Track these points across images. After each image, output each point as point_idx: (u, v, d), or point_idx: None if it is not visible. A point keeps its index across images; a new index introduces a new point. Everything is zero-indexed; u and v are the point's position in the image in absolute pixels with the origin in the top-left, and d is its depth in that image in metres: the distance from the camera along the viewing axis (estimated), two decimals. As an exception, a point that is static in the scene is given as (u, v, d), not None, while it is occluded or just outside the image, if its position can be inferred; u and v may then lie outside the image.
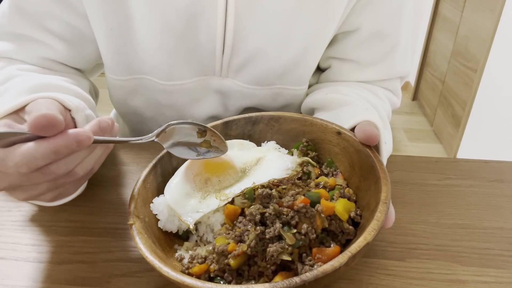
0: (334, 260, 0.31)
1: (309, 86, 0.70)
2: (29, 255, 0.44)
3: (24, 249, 0.45)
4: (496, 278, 0.42)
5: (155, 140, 0.42)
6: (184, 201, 0.42)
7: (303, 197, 0.38)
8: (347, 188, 0.43)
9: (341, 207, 0.38)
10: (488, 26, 1.92)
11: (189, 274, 0.36)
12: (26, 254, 0.44)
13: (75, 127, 0.42)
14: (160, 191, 0.45)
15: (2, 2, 0.58)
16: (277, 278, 0.35)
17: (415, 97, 3.04)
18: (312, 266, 0.35)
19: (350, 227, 0.38)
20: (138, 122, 0.75)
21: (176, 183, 0.44)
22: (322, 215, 0.37)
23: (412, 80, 3.05)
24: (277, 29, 0.58)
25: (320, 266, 0.32)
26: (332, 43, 0.64)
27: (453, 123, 2.29)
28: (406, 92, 3.13)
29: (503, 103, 1.79)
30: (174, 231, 0.42)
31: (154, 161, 0.46)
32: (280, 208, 0.38)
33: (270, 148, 0.49)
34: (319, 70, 0.71)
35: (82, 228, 0.48)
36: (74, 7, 0.57)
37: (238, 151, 0.48)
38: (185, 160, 0.47)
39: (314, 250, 0.36)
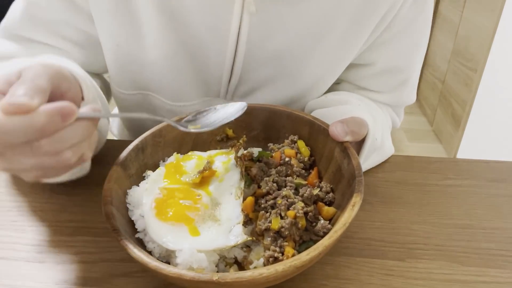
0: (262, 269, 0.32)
1: None
2: (29, 255, 0.44)
3: (24, 249, 0.45)
4: (496, 278, 0.42)
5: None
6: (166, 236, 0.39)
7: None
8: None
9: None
10: (488, 26, 1.92)
11: None
12: (26, 254, 0.44)
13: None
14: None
15: (13, 7, 0.57)
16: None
17: (415, 97, 3.04)
18: (269, 259, 0.37)
19: (328, 225, 0.40)
20: (139, 128, 0.75)
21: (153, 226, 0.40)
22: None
23: (412, 80, 3.05)
24: (288, 63, 0.57)
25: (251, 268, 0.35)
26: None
27: (453, 123, 2.29)
28: (406, 92, 3.12)
29: (503, 103, 1.79)
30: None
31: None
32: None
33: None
34: None
35: (82, 228, 0.48)
36: (88, 15, 0.56)
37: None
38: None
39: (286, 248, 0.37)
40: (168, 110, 0.63)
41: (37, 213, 0.50)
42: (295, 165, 0.46)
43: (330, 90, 0.69)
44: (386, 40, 0.58)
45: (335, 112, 0.56)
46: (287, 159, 0.46)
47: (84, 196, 0.53)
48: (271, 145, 0.50)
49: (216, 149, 0.53)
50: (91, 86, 0.45)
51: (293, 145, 0.49)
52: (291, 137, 0.50)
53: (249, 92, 0.61)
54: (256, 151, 0.48)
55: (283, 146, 0.49)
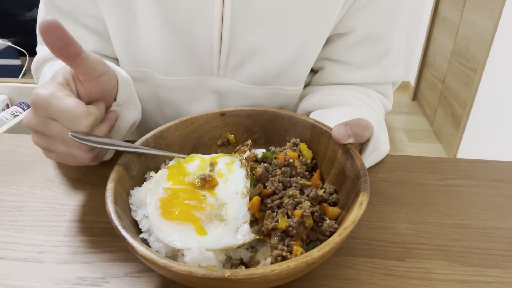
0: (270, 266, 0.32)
1: (304, 86, 0.70)
2: (29, 255, 0.44)
3: (24, 249, 0.45)
4: (496, 278, 0.42)
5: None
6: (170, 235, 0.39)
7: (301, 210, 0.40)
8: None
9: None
10: (488, 26, 1.92)
11: None
12: (26, 254, 0.44)
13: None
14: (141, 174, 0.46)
15: (39, 8, 0.65)
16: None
17: (415, 97, 3.05)
18: (276, 258, 0.36)
19: (335, 225, 0.40)
20: (142, 130, 0.75)
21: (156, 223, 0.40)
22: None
23: (412, 80, 3.05)
24: (273, 28, 0.58)
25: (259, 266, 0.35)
26: (325, 44, 0.65)
27: (453, 123, 2.29)
28: (406, 92, 3.13)
29: (503, 103, 1.79)
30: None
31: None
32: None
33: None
34: (312, 71, 0.71)
35: (82, 228, 0.48)
36: (97, 1, 0.60)
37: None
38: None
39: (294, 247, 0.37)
40: (161, 85, 0.65)
41: (37, 213, 0.50)
42: (298, 167, 0.46)
43: (318, 81, 0.69)
44: (364, 4, 0.59)
45: (336, 113, 0.56)
46: (290, 160, 0.46)
47: (85, 196, 0.53)
48: (272, 148, 0.50)
49: (217, 152, 0.53)
50: (128, 89, 0.52)
51: (295, 147, 0.49)
52: (293, 140, 0.50)
53: (240, 64, 0.61)
54: (260, 152, 0.48)
55: (285, 149, 0.49)
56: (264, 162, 0.46)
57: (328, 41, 0.64)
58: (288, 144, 0.50)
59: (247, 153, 0.48)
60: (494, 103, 1.88)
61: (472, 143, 2.09)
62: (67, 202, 0.52)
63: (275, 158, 0.47)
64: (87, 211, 0.50)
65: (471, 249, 0.45)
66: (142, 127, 0.75)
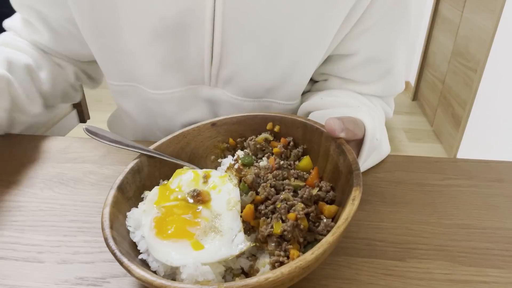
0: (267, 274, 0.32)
1: (304, 93, 0.70)
2: (29, 255, 0.44)
3: (24, 249, 0.45)
4: (496, 278, 0.42)
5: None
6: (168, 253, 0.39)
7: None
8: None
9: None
10: (488, 26, 1.92)
11: None
12: (26, 254, 0.44)
13: None
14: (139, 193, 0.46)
15: None
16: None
17: (415, 97, 3.05)
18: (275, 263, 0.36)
19: (331, 223, 0.40)
20: (132, 128, 0.75)
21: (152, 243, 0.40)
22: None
23: (412, 80, 3.05)
24: (265, 45, 0.57)
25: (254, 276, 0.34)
26: (326, 62, 0.64)
27: (453, 123, 2.29)
28: (406, 92, 3.13)
29: (503, 103, 1.79)
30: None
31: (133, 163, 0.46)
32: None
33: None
34: (312, 80, 0.71)
35: (82, 228, 0.48)
36: (67, 8, 0.60)
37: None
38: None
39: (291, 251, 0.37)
40: (152, 98, 0.64)
41: (37, 213, 0.50)
42: (272, 146, 0.47)
43: (319, 88, 0.69)
44: (368, 28, 0.58)
45: (334, 113, 0.56)
46: (281, 162, 0.46)
47: (85, 196, 0.53)
48: (253, 137, 0.51)
49: (216, 161, 0.53)
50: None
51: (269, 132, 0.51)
52: (288, 139, 0.50)
53: (232, 77, 0.61)
54: (241, 154, 0.48)
55: (253, 138, 0.50)
56: (253, 164, 0.46)
57: (330, 60, 0.64)
58: (260, 136, 0.50)
59: (237, 165, 0.47)
60: (494, 103, 1.88)
61: (472, 143, 2.09)
62: (67, 202, 0.52)
63: (257, 161, 0.47)
64: (87, 211, 0.50)
65: (471, 249, 0.45)
66: (139, 138, 0.75)
